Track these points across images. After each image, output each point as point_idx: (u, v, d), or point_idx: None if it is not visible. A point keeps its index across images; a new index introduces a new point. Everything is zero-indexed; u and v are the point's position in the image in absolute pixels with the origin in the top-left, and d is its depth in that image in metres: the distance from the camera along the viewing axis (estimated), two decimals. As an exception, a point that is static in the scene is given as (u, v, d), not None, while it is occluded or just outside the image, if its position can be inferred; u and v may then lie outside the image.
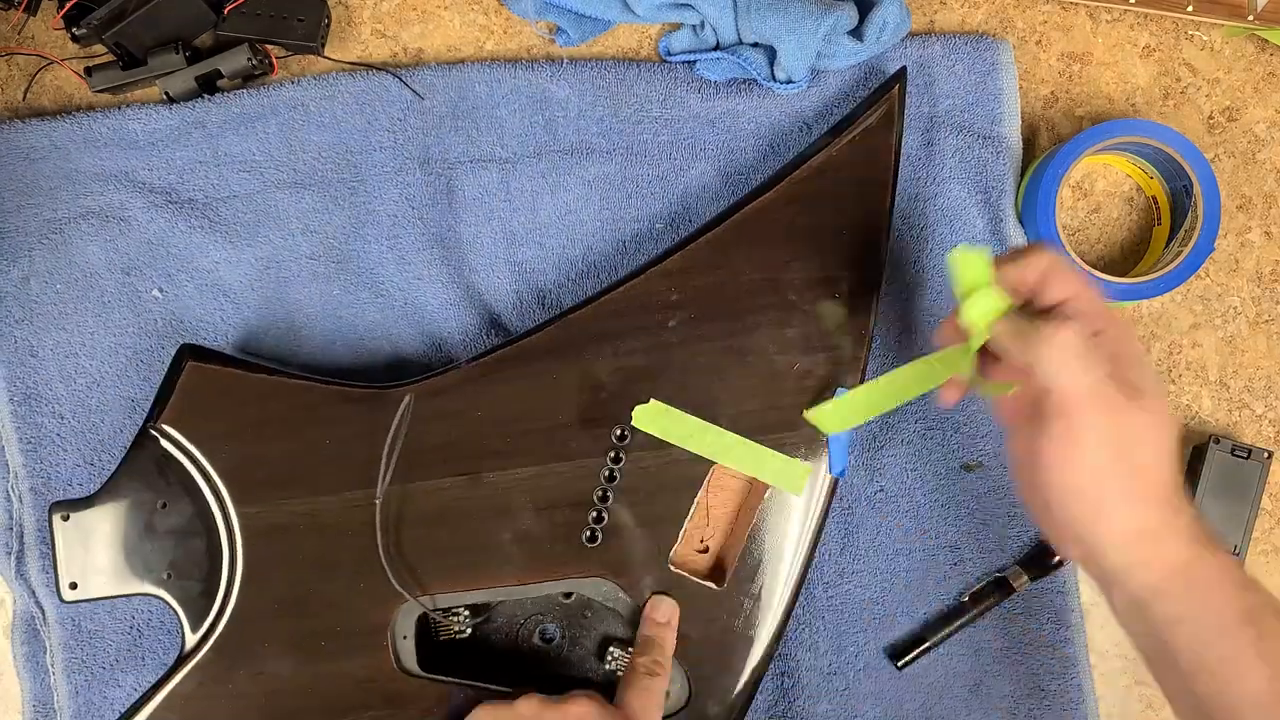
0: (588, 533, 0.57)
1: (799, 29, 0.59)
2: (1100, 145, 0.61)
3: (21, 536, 0.62)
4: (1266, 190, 0.67)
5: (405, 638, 0.57)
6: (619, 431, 0.58)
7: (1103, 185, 0.67)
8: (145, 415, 0.57)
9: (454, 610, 0.59)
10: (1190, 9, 0.63)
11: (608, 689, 0.59)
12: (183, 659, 0.56)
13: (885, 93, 0.60)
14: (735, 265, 0.58)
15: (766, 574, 0.58)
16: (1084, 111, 0.66)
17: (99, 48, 0.62)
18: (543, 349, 0.58)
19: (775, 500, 0.58)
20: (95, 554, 0.57)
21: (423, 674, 0.57)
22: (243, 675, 0.56)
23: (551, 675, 0.60)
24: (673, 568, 0.58)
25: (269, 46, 0.62)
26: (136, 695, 0.61)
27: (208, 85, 0.63)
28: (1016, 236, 0.64)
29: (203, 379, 0.57)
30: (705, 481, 0.58)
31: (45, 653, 0.62)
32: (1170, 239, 0.64)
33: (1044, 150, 0.66)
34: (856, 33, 0.61)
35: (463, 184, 0.63)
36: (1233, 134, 0.67)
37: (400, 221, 0.63)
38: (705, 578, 0.58)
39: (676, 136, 0.64)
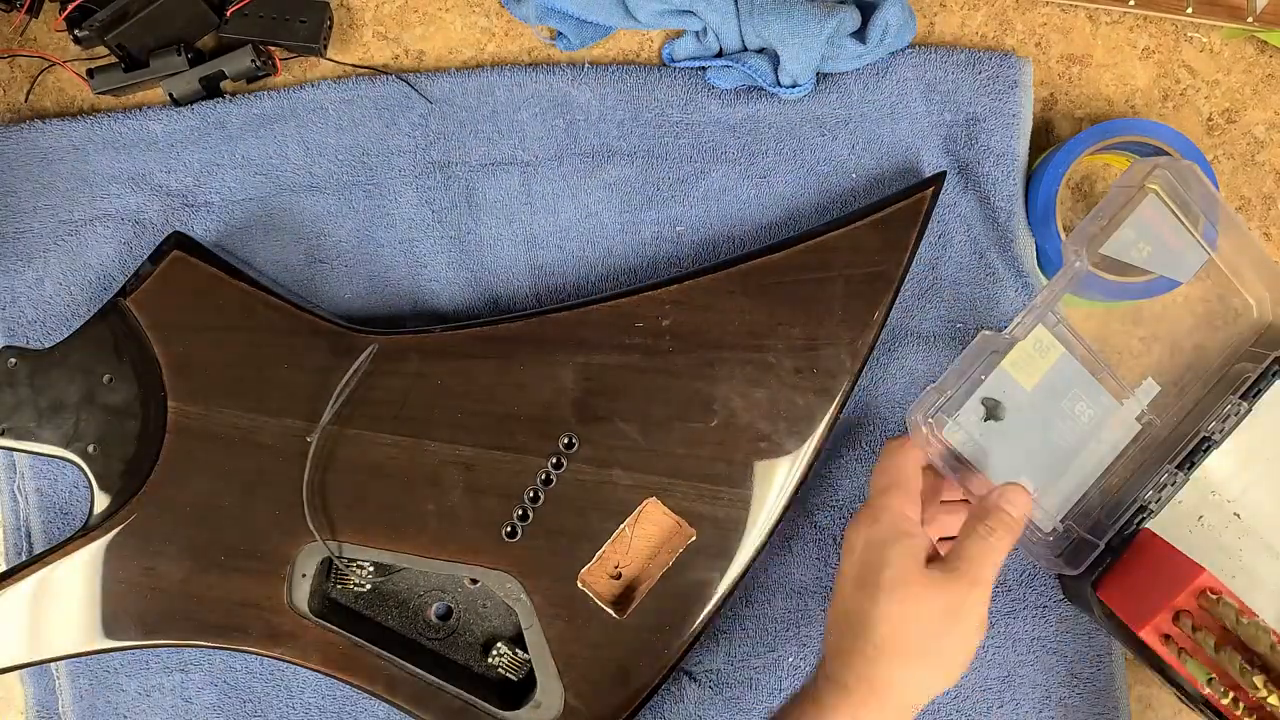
0: (509, 527, 0.57)
1: (802, 32, 0.59)
2: (1100, 145, 0.61)
3: (29, 537, 0.63)
4: (1265, 191, 0.66)
5: (304, 576, 0.57)
6: (567, 439, 0.58)
7: (1102, 185, 0.67)
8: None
9: (358, 563, 0.59)
10: (1189, 11, 0.62)
11: (484, 685, 0.59)
12: (85, 533, 0.57)
13: (920, 189, 0.60)
14: (726, 312, 0.58)
15: (667, 619, 0.58)
16: (1083, 113, 0.66)
17: (101, 49, 0.62)
18: (518, 338, 0.58)
19: (694, 553, 0.58)
20: (31, 404, 0.58)
21: (309, 616, 0.57)
22: (135, 566, 0.57)
23: (435, 654, 0.60)
24: (580, 585, 0.57)
25: (271, 48, 0.62)
26: (141, 699, 0.63)
27: (211, 87, 0.63)
28: (1025, 254, 0.64)
29: (183, 271, 0.58)
30: (636, 512, 0.58)
31: None
32: (1170, 239, 0.63)
33: (1043, 151, 0.66)
34: (859, 35, 0.61)
35: (483, 187, 0.63)
36: (1232, 135, 0.67)
37: (418, 224, 0.63)
38: (609, 604, 0.58)
39: (697, 140, 0.64)
